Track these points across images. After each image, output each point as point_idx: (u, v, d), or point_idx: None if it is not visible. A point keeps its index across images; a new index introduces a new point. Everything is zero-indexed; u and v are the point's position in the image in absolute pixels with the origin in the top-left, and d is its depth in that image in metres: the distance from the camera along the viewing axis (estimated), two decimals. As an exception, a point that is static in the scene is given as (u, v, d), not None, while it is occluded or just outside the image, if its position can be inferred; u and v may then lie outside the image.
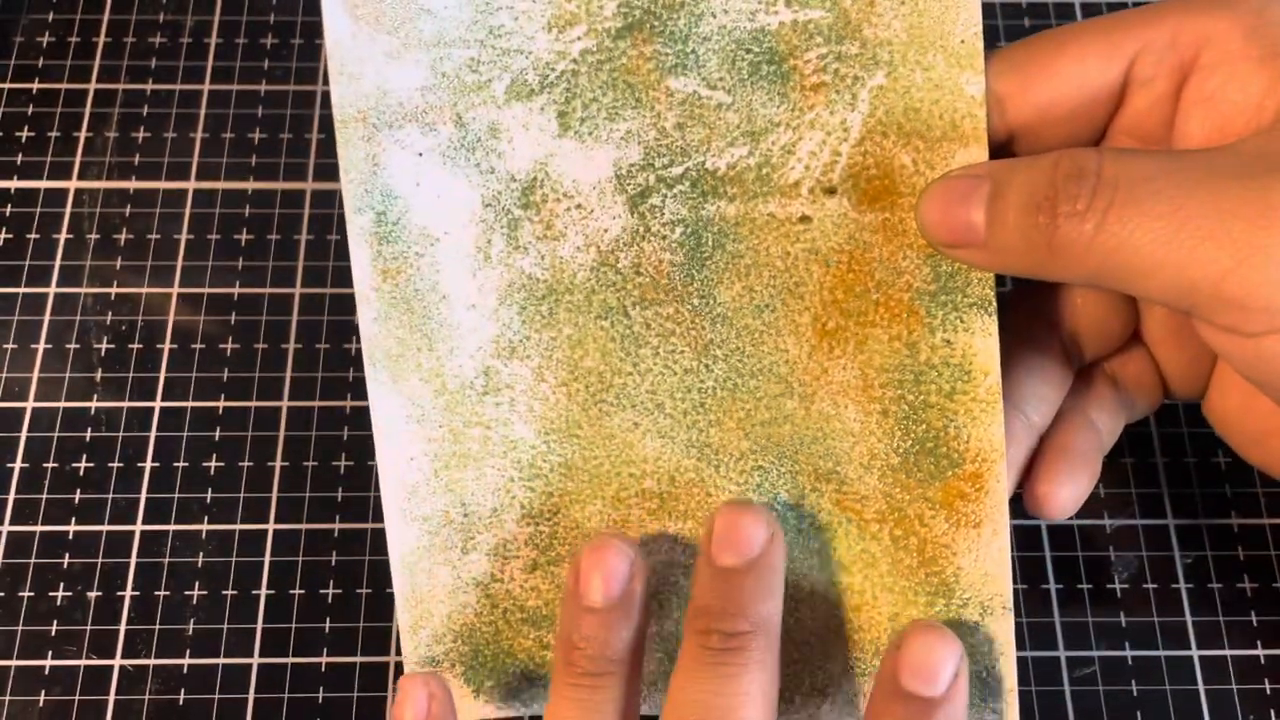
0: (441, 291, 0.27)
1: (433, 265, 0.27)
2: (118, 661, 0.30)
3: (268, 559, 0.31)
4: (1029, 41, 0.25)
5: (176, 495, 0.32)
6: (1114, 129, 0.25)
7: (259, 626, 0.31)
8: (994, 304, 0.26)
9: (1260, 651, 0.31)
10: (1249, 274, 0.20)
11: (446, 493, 0.27)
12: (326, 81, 0.37)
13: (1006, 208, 0.22)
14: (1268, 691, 0.30)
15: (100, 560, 0.31)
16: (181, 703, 0.30)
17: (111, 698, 0.30)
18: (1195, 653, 0.31)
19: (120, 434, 0.33)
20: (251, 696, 0.30)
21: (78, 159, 0.36)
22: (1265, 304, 0.20)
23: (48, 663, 0.30)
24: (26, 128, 0.36)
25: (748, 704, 0.23)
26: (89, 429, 0.33)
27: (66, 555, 0.31)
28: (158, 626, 0.31)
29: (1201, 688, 0.30)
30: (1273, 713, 0.30)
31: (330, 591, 0.31)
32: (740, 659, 0.23)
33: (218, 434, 0.33)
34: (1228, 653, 0.31)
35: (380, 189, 0.27)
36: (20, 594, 0.31)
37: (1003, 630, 0.27)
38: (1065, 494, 0.26)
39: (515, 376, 0.27)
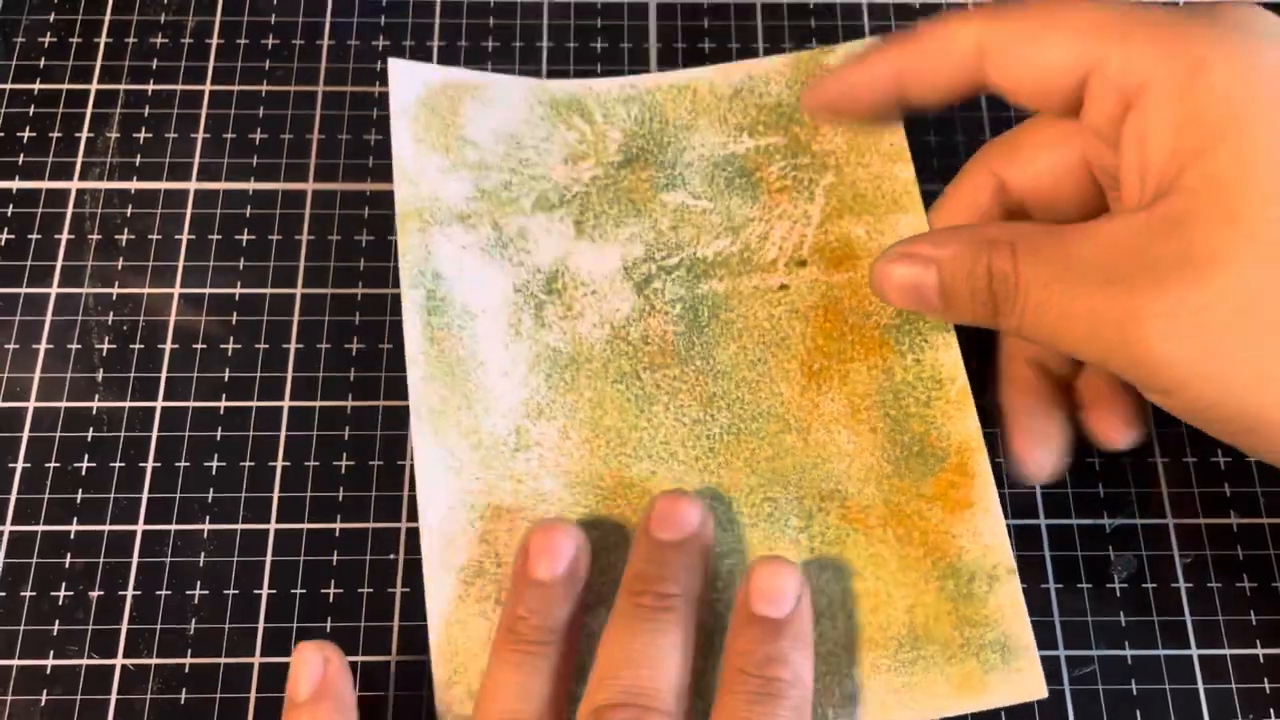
0: (479, 359, 0.31)
1: (473, 336, 0.31)
2: (119, 661, 0.30)
3: (269, 558, 0.31)
4: (1018, 11, 0.27)
5: (178, 495, 0.32)
6: (1084, 123, 0.27)
7: (260, 626, 0.31)
8: (950, 324, 0.31)
9: (1260, 651, 0.31)
10: (1134, 356, 0.24)
11: (481, 543, 0.29)
12: (327, 82, 0.37)
13: (956, 299, 0.27)
14: (1267, 690, 0.30)
15: (102, 560, 0.31)
16: (183, 702, 0.30)
17: (113, 697, 0.30)
18: (1195, 652, 0.31)
19: (122, 434, 0.33)
20: (253, 696, 0.30)
21: (79, 159, 0.36)
22: (1156, 379, 0.24)
23: (49, 662, 0.30)
24: (28, 128, 0.37)
25: (672, 654, 0.26)
26: (91, 429, 0.33)
27: (68, 555, 0.31)
28: (159, 626, 0.31)
29: (1201, 687, 0.30)
30: (1272, 712, 0.30)
31: (331, 591, 0.31)
32: (669, 618, 0.26)
33: (219, 434, 0.33)
34: (1227, 652, 0.31)
35: (431, 271, 0.32)
36: (22, 593, 0.31)
37: (1011, 592, 0.29)
38: (1040, 455, 0.30)
39: (543, 435, 0.30)
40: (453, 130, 0.32)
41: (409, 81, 0.33)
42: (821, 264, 0.32)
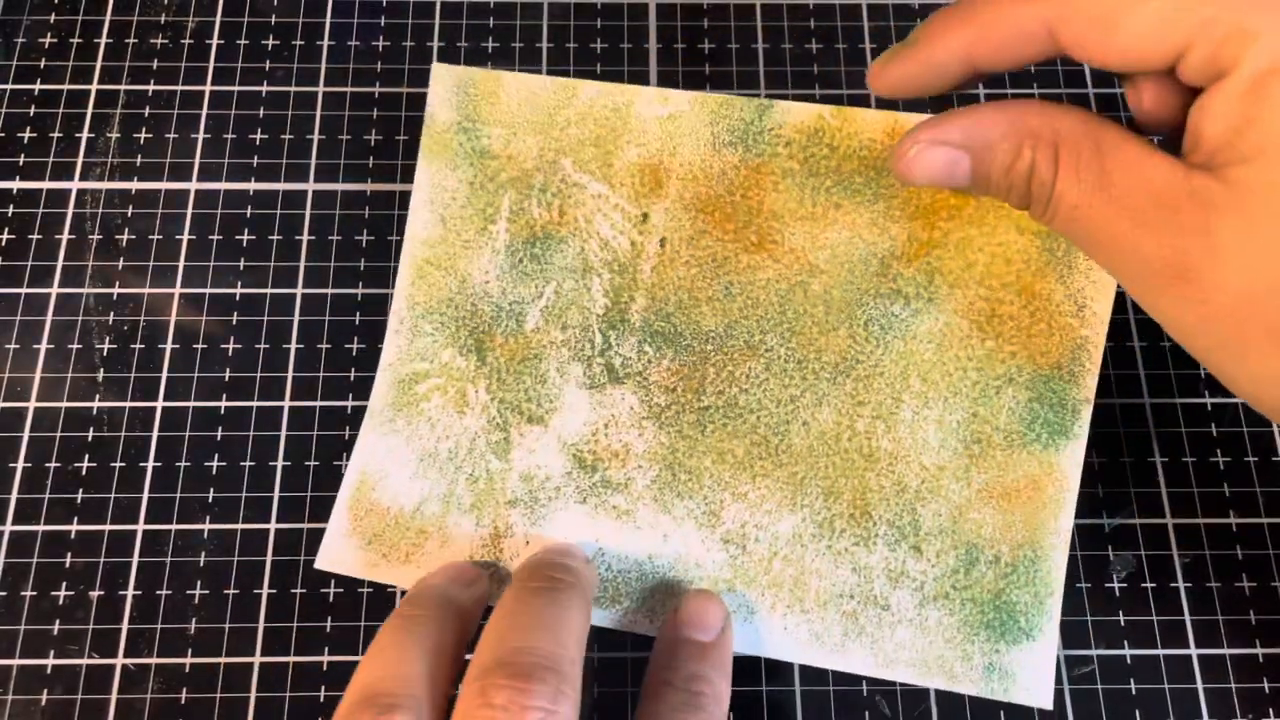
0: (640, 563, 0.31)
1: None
2: (120, 660, 0.30)
3: (269, 558, 0.31)
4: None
5: (179, 495, 0.32)
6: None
7: (260, 625, 0.31)
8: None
9: (1259, 650, 0.31)
10: (1145, 303, 0.25)
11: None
12: (327, 83, 0.37)
13: (988, 186, 0.26)
14: (1266, 690, 0.30)
15: (102, 559, 0.31)
16: (183, 702, 0.30)
17: (114, 697, 0.30)
18: (1194, 651, 0.31)
19: (122, 434, 0.33)
20: (253, 695, 0.30)
21: (80, 160, 0.36)
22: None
23: (50, 662, 0.30)
24: (29, 129, 0.37)
25: (569, 622, 0.26)
26: (91, 429, 0.33)
27: (69, 554, 0.31)
28: (160, 626, 0.31)
29: (1200, 686, 0.30)
30: (1272, 711, 0.30)
31: (332, 590, 0.31)
32: (563, 594, 0.27)
33: (219, 434, 0.33)
34: (1226, 651, 0.31)
35: None
36: (23, 593, 0.31)
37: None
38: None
39: (744, 524, 0.30)
40: None
41: None
42: (636, 188, 0.32)
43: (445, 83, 0.33)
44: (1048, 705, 0.28)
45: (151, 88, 0.37)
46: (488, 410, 0.31)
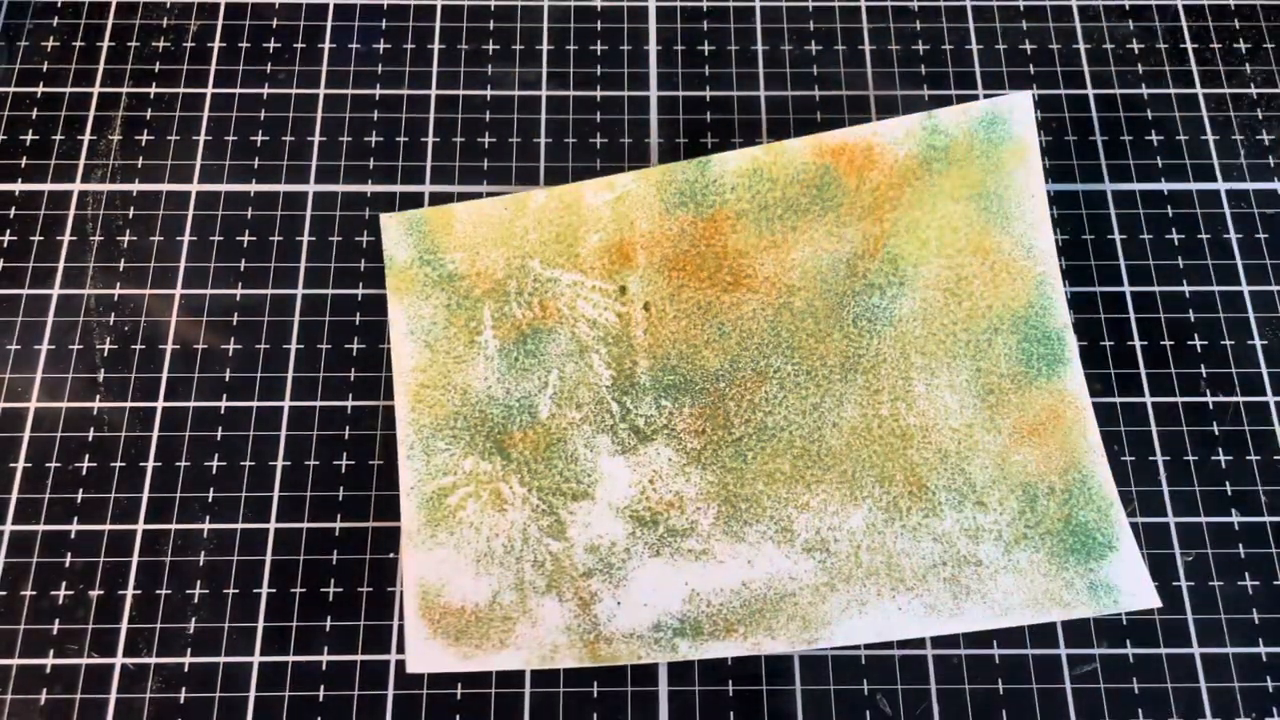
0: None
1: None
2: (119, 660, 0.30)
3: (269, 558, 0.31)
4: None
5: (178, 495, 0.32)
6: None
7: (260, 625, 0.31)
8: None
9: (1262, 649, 0.31)
10: None
11: None
12: (328, 85, 0.38)
13: None
14: (1270, 689, 0.30)
15: (102, 559, 0.31)
16: (183, 701, 0.30)
17: (113, 696, 0.30)
18: (1197, 650, 0.31)
19: (123, 434, 0.33)
20: (252, 695, 0.30)
21: (82, 162, 0.36)
22: None
23: (49, 661, 0.30)
24: (31, 131, 0.37)
25: None
26: (91, 429, 0.33)
27: (69, 554, 0.31)
28: (159, 625, 0.31)
29: (1204, 685, 0.30)
30: (1275, 710, 0.30)
31: (331, 590, 0.31)
32: None
33: (219, 434, 0.33)
34: (1229, 650, 0.30)
35: None
36: (22, 593, 0.31)
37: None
38: None
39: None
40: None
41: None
42: (623, 275, 0.34)
43: (395, 228, 0.34)
44: (1156, 604, 0.30)
45: (153, 90, 0.37)
46: (529, 500, 0.31)
